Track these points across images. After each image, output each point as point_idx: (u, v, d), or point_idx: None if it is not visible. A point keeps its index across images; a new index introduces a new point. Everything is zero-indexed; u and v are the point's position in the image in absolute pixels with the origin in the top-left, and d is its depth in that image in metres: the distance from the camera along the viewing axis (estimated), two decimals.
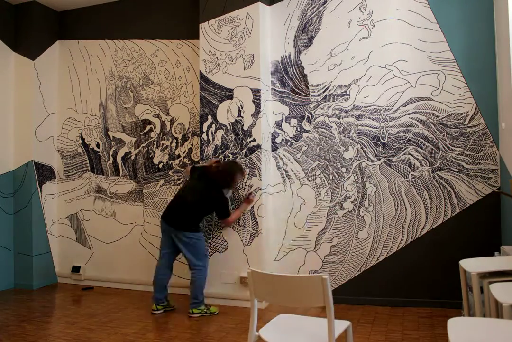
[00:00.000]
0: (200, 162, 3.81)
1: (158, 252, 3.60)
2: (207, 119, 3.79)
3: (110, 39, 4.49)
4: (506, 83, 2.98)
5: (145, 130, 4.31)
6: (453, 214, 3.38)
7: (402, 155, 3.51)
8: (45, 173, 4.53)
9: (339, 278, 3.63)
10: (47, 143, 4.57)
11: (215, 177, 3.41)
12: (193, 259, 3.38)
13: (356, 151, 3.61)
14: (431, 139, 3.45)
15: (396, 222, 3.52)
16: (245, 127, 3.67)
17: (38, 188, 4.44)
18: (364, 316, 3.27)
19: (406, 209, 3.50)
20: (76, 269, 4.48)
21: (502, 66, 3.12)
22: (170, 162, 4.20)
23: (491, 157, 3.33)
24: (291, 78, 3.80)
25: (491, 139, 3.33)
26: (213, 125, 3.76)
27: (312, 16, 3.75)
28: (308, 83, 3.74)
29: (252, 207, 3.61)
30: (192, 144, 4.12)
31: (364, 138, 3.60)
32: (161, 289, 3.47)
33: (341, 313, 3.35)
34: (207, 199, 3.40)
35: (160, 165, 4.24)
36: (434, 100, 3.45)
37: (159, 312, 3.45)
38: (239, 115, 3.69)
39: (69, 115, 4.65)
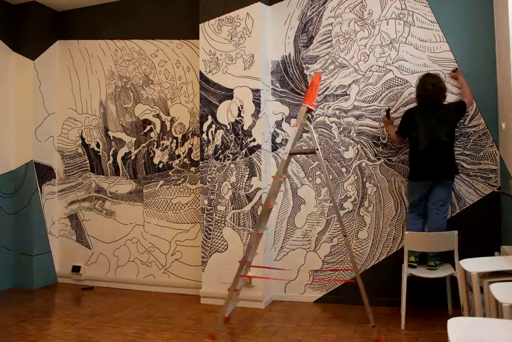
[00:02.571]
0: (200, 162, 3.81)
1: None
2: (207, 119, 3.79)
3: (110, 39, 4.49)
4: (506, 83, 2.97)
5: (145, 130, 4.31)
6: (453, 214, 3.38)
7: (402, 155, 3.51)
8: (45, 173, 4.53)
9: (339, 278, 3.63)
10: (47, 143, 4.57)
11: (433, 97, 3.15)
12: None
13: (356, 151, 3.62)
14: None
15: (396, 222, 3.52)
16: (245, 127, 3.67)
17: (38, 188, 4.44)
18: (364, 316, 3.27)
19: (406, 209, 3.50)
20: (76, 269, 4.48)
21: (502, 66, 3.12)
22: (170, 163, 4.20)
23: (491, 157, 3.33)
24: (291, 78, 3.80)
25: (491, 139, 3.32)
26: (213, 125, 3.76)
27: (312, 16, 3.75)
28: (308, 83, 3.74)
29: (252, 207, 3.61)
30: (192, 144, 4.12)
31: (364, 138, 3.60)
32: None
33: (341, 313, 3.36)
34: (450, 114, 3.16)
35: (160, 166, 4.24)
36: None
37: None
38: (239, 115, 3.69)
39: (69, 115, 4.65)
